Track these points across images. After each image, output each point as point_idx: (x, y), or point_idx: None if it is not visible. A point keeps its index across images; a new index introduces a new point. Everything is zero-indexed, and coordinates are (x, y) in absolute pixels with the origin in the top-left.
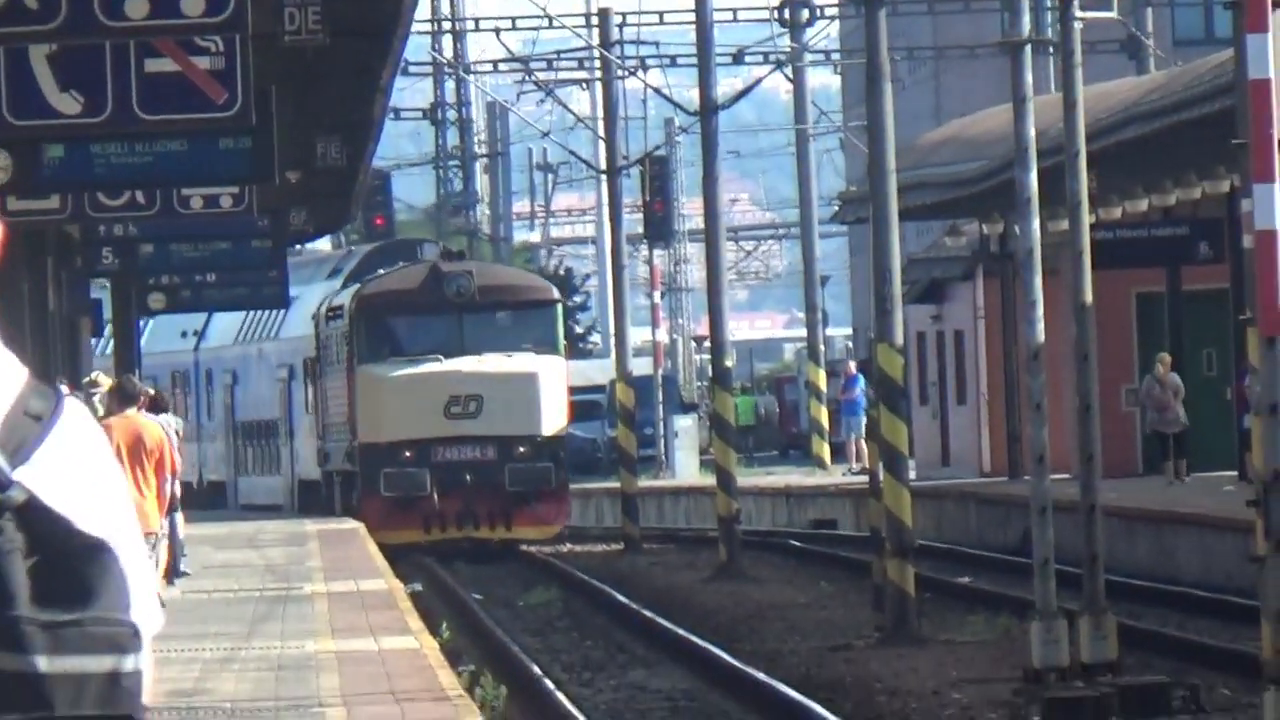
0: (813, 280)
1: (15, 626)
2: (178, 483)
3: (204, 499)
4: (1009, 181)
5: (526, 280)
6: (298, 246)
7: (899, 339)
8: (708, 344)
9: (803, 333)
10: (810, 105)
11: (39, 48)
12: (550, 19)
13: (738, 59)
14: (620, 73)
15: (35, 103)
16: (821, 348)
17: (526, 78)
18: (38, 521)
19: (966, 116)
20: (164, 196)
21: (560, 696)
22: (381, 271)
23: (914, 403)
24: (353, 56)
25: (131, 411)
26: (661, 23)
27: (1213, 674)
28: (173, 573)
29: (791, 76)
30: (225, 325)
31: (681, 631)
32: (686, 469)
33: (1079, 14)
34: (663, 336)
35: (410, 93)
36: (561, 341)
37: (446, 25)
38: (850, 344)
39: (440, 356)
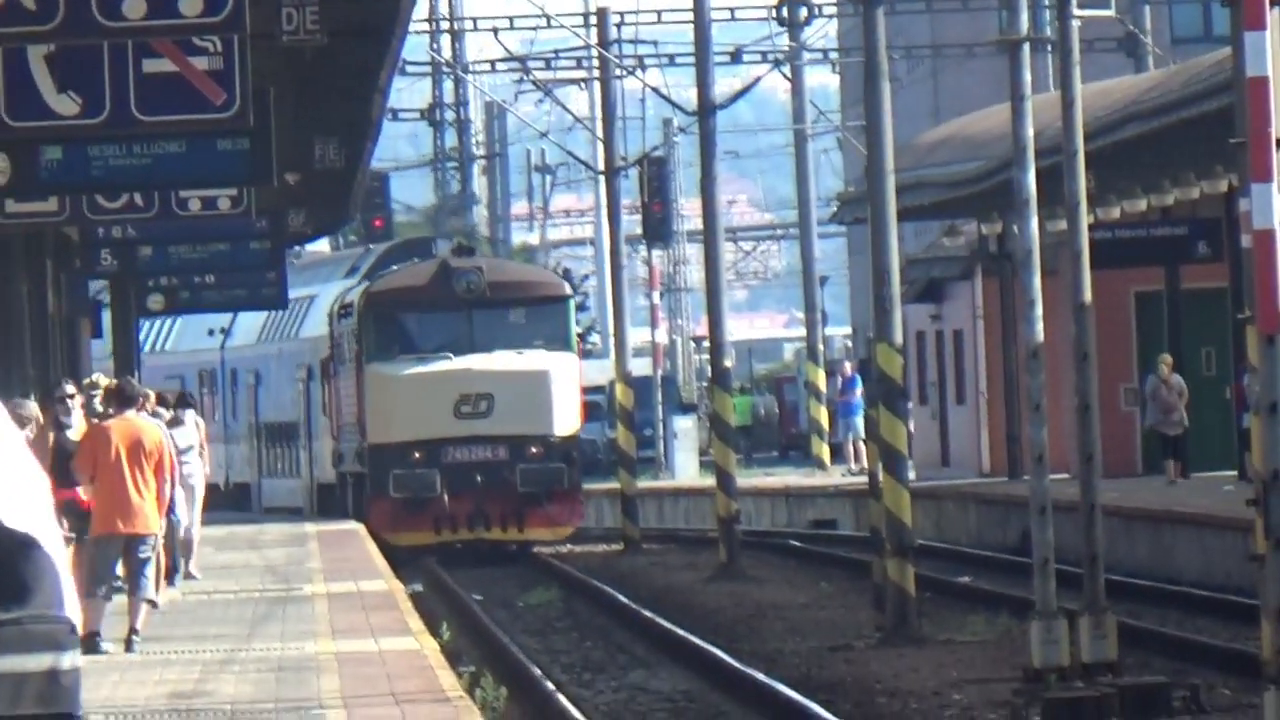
0: (811, 280)
1: None
2: (204, 482)
3: (230, 501)
4: (1007, 181)
5: (538, 276)
6: (297, 248)
7: (898, 339)
8: (707, 344)
9: (802, 333)
10: (809, 105)
11: (37, 48)
12: (548, 18)
13: (736, 58)
14: (618, 72)
15: (33, 104)
16: (821, 348)
17: (525, 77)
18: None
19: (964, 116)
20: (162, 198)
21: (560, 698)
22: (395, 268)
23: (913, 402)
24: (351, 57)
25: (131, 413)
26: (659, 22)
27: (1213, 674)
28: (171, 574)
29: (790, 76)
30: (249, 324)
31: (681, 632)
32: (686, 470)
33: (1077, 12)
34: (662, 337)
35: (408, 93)
36: (574, 339)
37: (445, 25)
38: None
39: (450, 354)
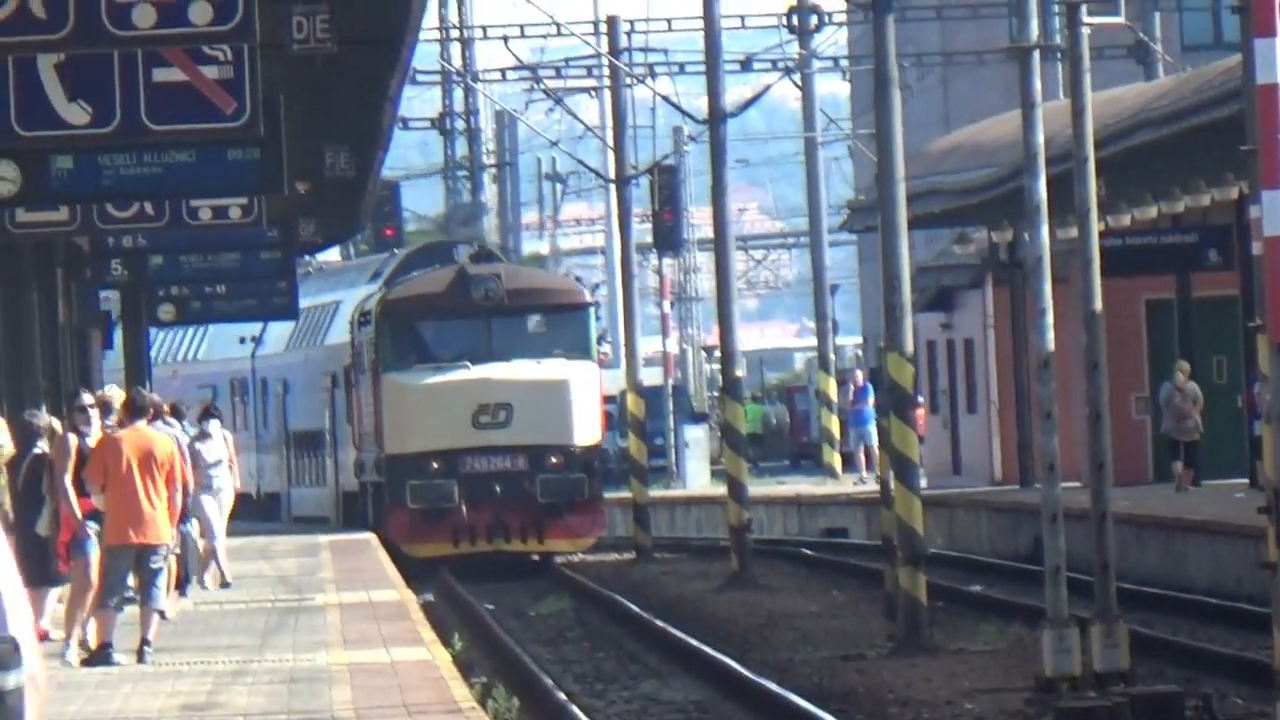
0: (822, 289)
1: None
2: (232, 494)
3: (261, 511)
4: (1018, 189)
5: (557, 283)
6: (308, 257)
7: (909, 347)
8: (718, 353)
9: (813, 341)
10: (819, 113)
11: (47, 57)
12: (559, 27)
13: (746, 66)
14: (629, 80)
15: (44, 113)
16: (832, 357)
17: (535, 86)
18: None
19: (975, 123)
20: (173, 208)
21: (573, 708)
22: (415, 274)
23: (923, 410)
24: (361, 65)
25: (142, 424)
26: (670, 30)
27: (1225, 682)
28: (183, 585)
29: (800, 84)
30: (280, 332)
31: (693, 641)
32: (697, 479)
33: (1087, 20)
34: (673, 346)
35: (418, 102)
36: (595, 347)
37: (455, 33)
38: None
39: (468, 363)
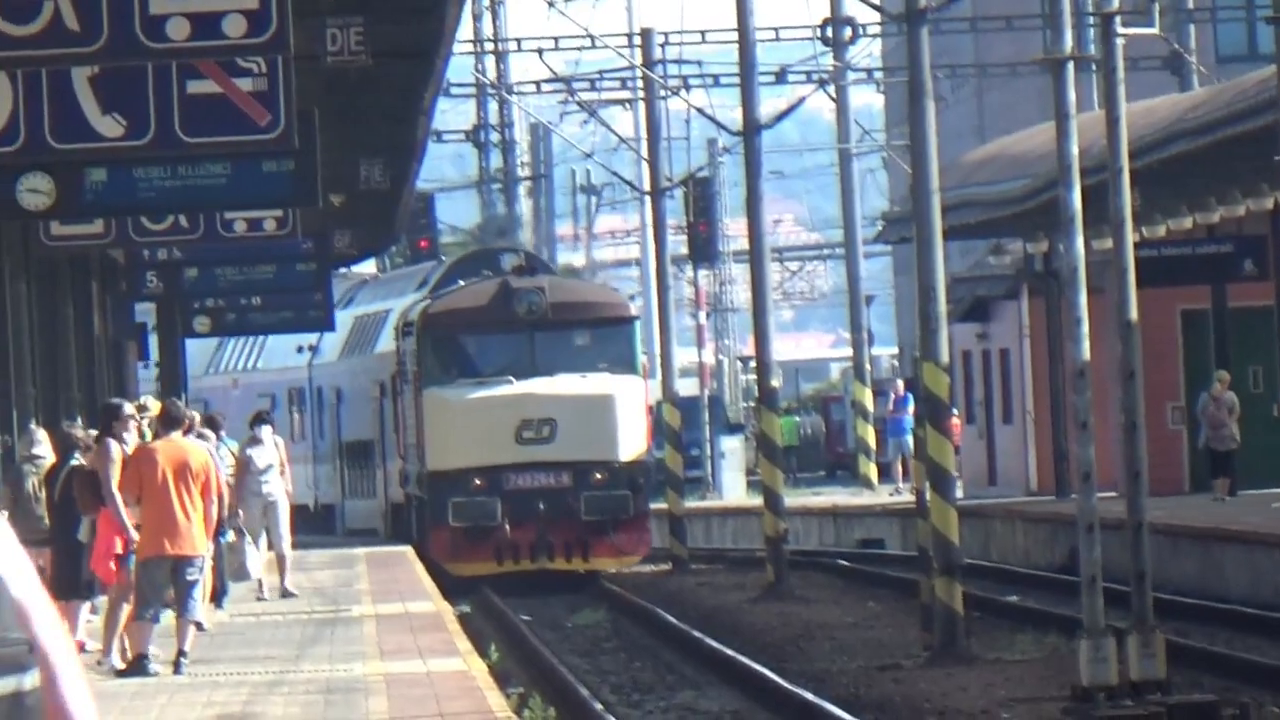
0: (858, 300)
1: None
2: (287, 502)
3: (317, 523)
4: (1053, 199)
5: (602, 296)
6: (342, 269)
7: (944, 358)
8: (753, 364)
9: (848, 352)
10: (853, 124)
11: (81, 70)
12: (593, 39)
13: (780, 78)
14: (663, 92)
15: (78, 126)
16: (868, 367)
17: (569, 98)
18: None
19: (1009, 134)
20: (207, 220)
21: (610, 718)
22: (461, 283)
23: (959, 420)
24: (395, 78)
25: (177, 435)
26: (704, 42)
27: (1262, 692)
28: (219, 596)
29: (834, 95)
30: (334, 340)
31: (730, 652)
32: (733, 489)
33: (1121, 31)
34: (708, 357)
35: (452, 114)
36: (640, 361)
37: (489, 46)
38: (896, 363)
39: (511, 378)
